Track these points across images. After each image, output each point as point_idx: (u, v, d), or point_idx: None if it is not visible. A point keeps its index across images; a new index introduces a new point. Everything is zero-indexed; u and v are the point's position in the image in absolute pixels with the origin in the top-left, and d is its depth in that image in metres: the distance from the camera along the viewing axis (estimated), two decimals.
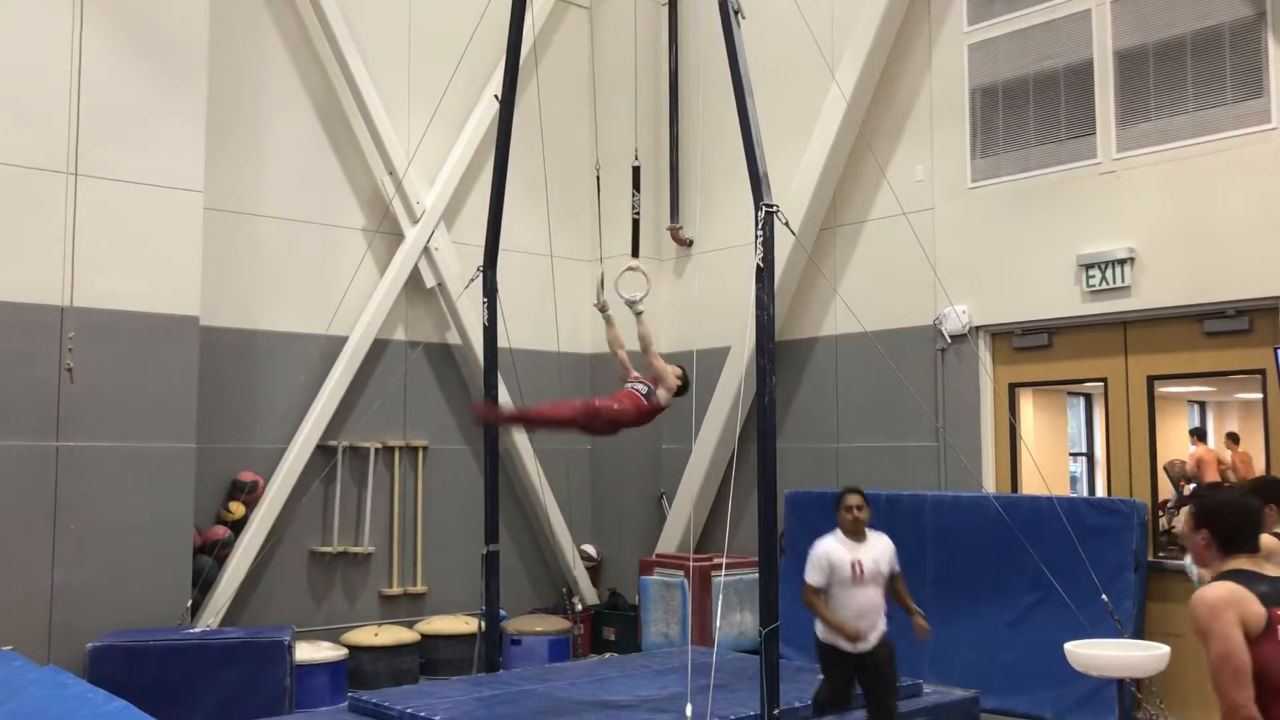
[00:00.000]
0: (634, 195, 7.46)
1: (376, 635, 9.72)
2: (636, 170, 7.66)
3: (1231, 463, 10.83)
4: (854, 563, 6.23)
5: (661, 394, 7.01)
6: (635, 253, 7.42)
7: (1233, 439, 11.12)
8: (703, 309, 11.20)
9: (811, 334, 10.72)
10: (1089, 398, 11.12)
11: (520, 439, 11.00)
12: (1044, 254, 8.96)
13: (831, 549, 6.33)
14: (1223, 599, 3.23)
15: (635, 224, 7.36)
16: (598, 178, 8.34)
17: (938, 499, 9.17)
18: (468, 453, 10.93)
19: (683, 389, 7.19)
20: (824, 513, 9.89)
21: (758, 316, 6.18)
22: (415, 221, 10.57)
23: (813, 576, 6.30)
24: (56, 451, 8.06)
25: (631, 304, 7.33)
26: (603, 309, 7.59)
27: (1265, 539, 5.98)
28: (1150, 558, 8.29)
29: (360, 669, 9.47)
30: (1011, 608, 8.57)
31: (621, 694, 7.06)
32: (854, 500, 6.37)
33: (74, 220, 8.15)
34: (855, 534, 6.34)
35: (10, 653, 6.95)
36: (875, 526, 9.49)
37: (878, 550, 6.36)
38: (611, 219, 10.79)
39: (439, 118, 10.20)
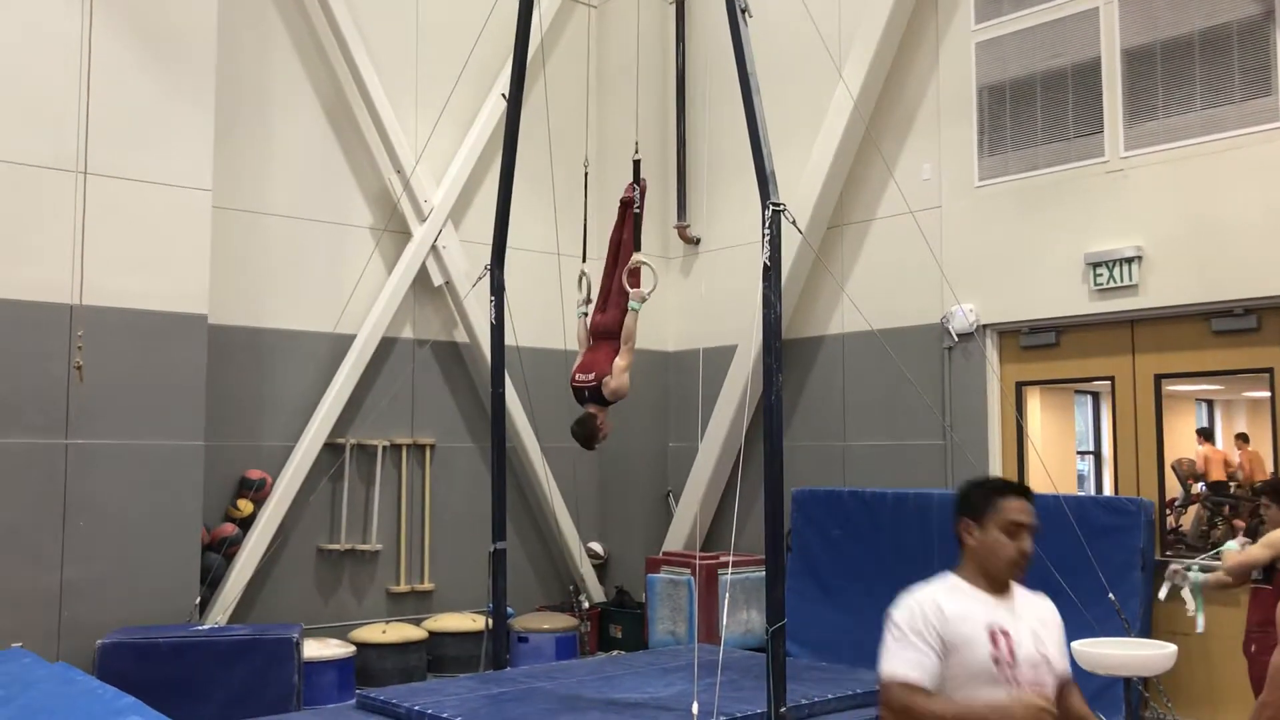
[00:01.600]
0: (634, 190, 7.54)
1: (384, 632, 9.75)
2: (637, 164, 7.72)
3: (1240, 462, 10.79)
4: (996, 632, 3.21)
5: (611, 383, 6.79)
6: (638, 247, 7.46)
7: (1242, 439, 11.08)
8: (709, 307, 11.22)
9: (818, 332, 10.72)
10: (1096, 396, 11.09)
11: (527, 436, 11.03)
12: (1051, 252, 8.96)
13: (947, 602, 3.23)
14: None
15: (637, 219, 7.43)
16: (586, 174, 8.35)
17: (945, 497, 9.16)
18: (475, 450, 10.96)
19: (587, 429, 6.90)
20: (831, 511, 9.96)
21: (764, 315, 6.18)
22: (423, 220, 10.59)
23: (903, 662, 3.18)
24: (66, 449, 8.10)
25: (637, 299, 7.29)
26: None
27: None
28: (1158, 556, 8.28)
29: (368, 666, 9.50)
30: None
31: (628, 692, 7.07)
32: (1020, 509, 3.32)
33: (83, 219, 8.19)
34: (1003, 580, 3.36)
35: (20, 649, 6.99)
36: (881, 527, 9.61)
37: (1038, 617, 3.44)
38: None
39: (446, 116, 10.22)
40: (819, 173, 10.25)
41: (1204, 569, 6.58)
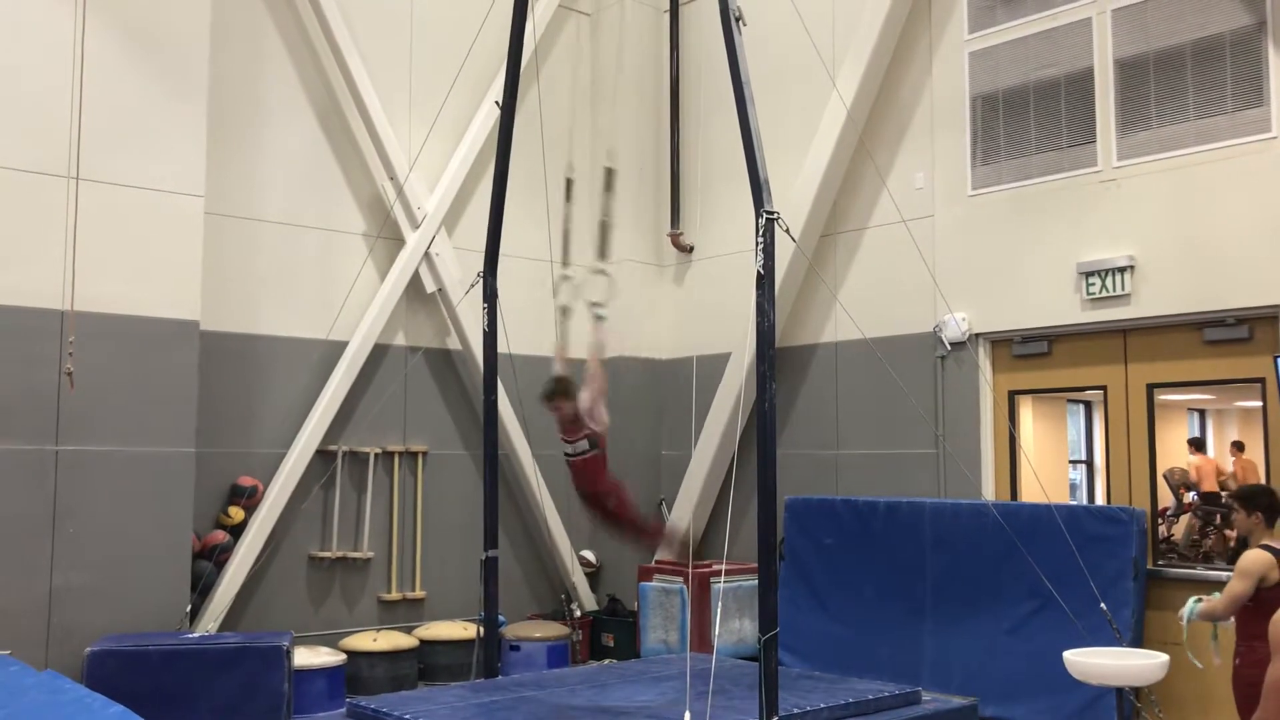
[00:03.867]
0: (605, 196, 7.56)
1: (375, 641, 9.71)
2: (609, 171, 7.83)
3: (1234, 471, 10.83)
4: None
5: (600, 418, 6.91)
6: (602, 256, 7.51)
7: (1238, 447, 11.12)
8: (703, 315, 11.22)
9: (811, 340, 10.72)
10: (1089, 405, 11.12)
11: (520, 443, 11.01)
12: (1044, 261, 8.97)
13: None
14: None
15: (603, 227, 7.49)
16: (568, 181, 8.31)
17: (937, 506, 9.17)
18: (467, 458, 10.94)
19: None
20: (823, 519, 9.95)
21: (758, 323, 6.18)
22: (416, 227, 10.58)
23: None
24: (56, 456, 8.06)
25: (595, 307, 7.38)
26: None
27: (1260, 554, 5.97)
28: (1150, 566, 8.29)
29: (359, 674, 9.46)
30: (1010, 615, 8.57)
31: (620, 700, 7.05)
32: None
33: (75, 224, 8.15)
34: None
35: (8, 657, 6.93)
36: (874, 536, 9.61)
37: None
38: (616, 223, 10.77)
39: (440, 123, 10.22)
40: (812, 181, 10.26)
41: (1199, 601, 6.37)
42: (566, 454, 7.12)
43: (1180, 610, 6.24)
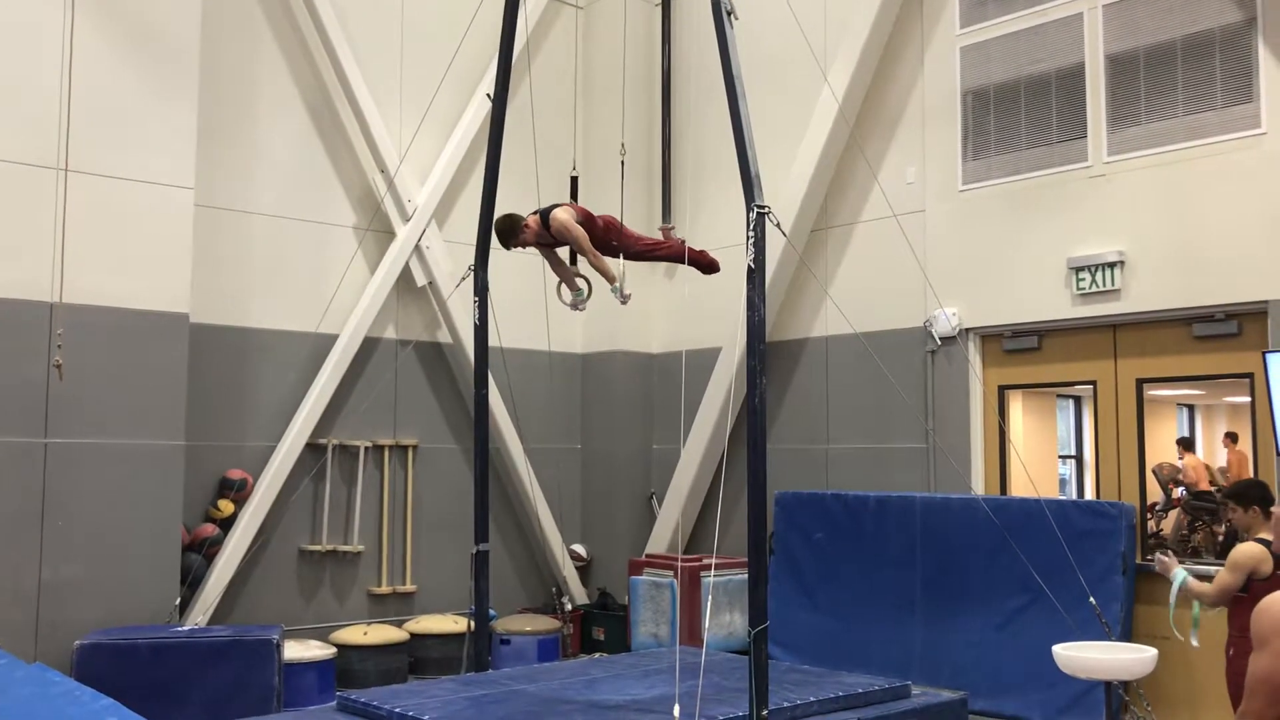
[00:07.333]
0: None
1: (365, 634, 9.70)
2: (574, 180, 8.06)
3: (1228, 462, 10.87)
4: None
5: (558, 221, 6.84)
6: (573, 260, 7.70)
7: (1231, 438, 11.16)
8: (694, 310, 11.20)
9: (802, 335, 10.73)
10: (1078, 400, 11.14)
11: (511, 438, 11.00)
12: (1034, 257, 8.99)
13: None
14: None
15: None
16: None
17: (927, 501, 9.19)
18: (458, 452, 10.93)
19: (512, 223, 7.03)
20: (813, 513, 9.97)
21: (748, 317, 6.17)
22: (406, 220, 10.56)
23: None
24: (45, 448, 8.04)
25: (576, 305, 7.46)
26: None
27: (1252, 547, 6.00)
28: (1139, 560, 8.31)
29: (349, 668, 9.45)
30: (1000, 610, 8.59)
31: (610, 694, 7.05)
32: None
33: (64, 216, 8.13)
34: None
35: None
36: (864, 530, 9.63)
37: None
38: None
39: (431, 116, 10.19)
40: (804, 175, 10.26)
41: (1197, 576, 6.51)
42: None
43: (1171, 572, 6.37)
